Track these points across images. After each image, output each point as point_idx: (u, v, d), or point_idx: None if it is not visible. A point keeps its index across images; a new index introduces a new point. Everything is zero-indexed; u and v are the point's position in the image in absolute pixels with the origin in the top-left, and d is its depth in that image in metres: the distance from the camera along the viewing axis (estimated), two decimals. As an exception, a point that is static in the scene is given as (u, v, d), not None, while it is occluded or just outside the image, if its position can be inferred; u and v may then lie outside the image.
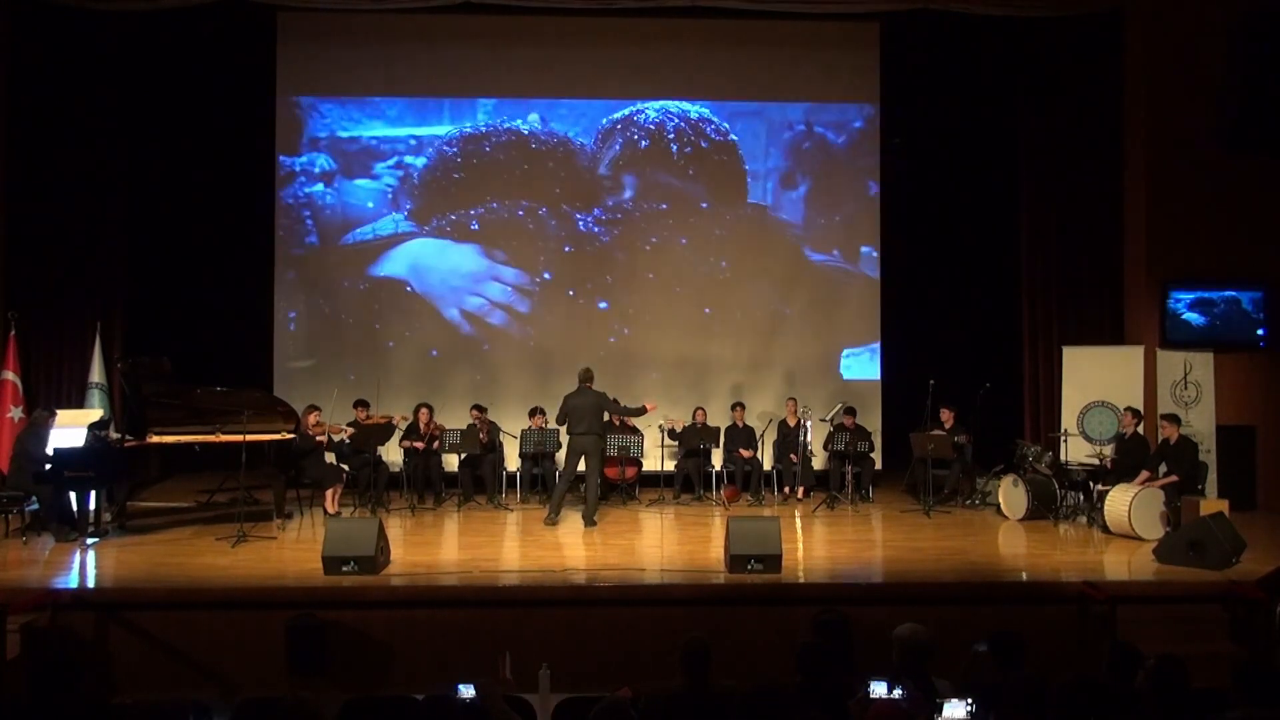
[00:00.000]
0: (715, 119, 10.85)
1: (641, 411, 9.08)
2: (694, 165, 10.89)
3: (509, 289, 10.87)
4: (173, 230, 10.95)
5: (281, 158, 10.72)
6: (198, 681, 6.14)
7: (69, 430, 8.50)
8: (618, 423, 9.60)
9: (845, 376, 10.96)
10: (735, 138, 10.89)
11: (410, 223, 10.80)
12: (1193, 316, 9.49)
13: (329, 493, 8.93)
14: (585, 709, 3.79)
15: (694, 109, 10.86)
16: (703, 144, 10.88)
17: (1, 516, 8.26)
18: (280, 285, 10.74)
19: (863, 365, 11.02)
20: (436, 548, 7.95)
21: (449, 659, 6.09)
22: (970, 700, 3.72)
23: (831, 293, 11.01)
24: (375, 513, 8.75)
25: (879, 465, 10.53)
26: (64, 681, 3.98)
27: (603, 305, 10.92)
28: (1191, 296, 9.49)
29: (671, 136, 10.84)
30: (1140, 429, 8.77)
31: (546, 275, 10.89)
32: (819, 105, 10.95)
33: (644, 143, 10.84)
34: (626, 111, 10.86)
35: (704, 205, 10.91)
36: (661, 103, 10.85)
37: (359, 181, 10.77)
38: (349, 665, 6.19)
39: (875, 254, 10.99)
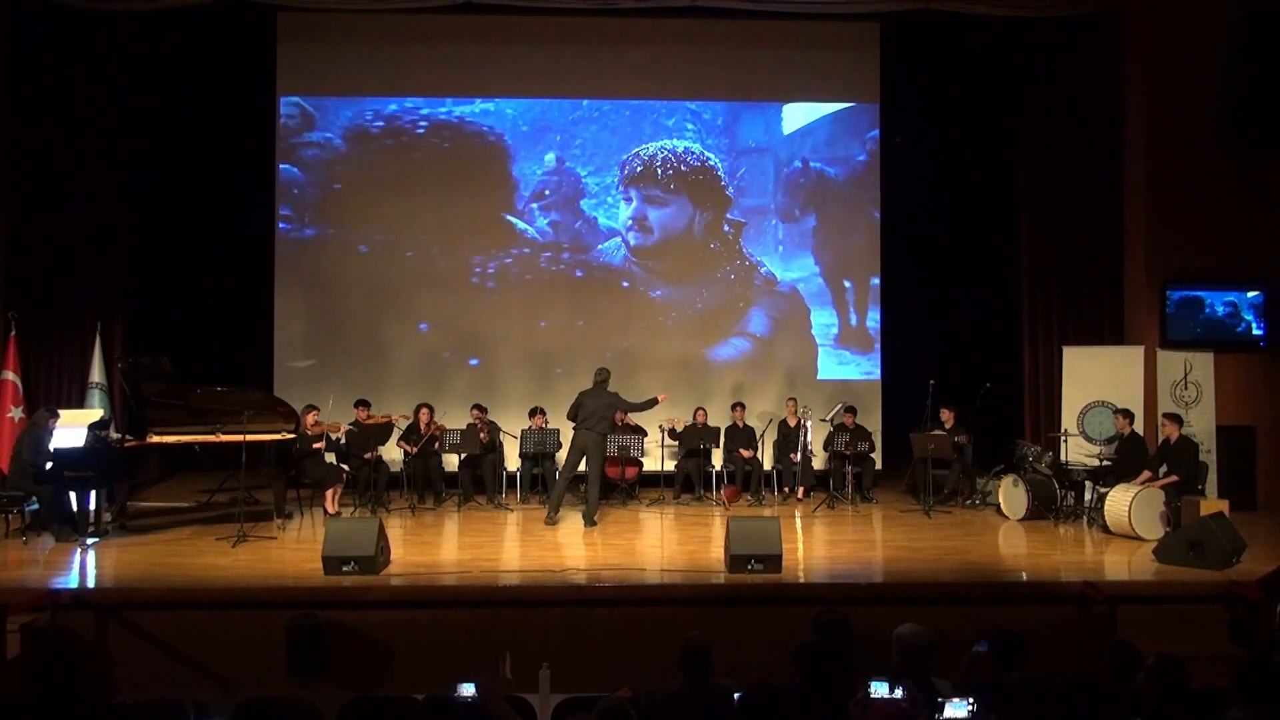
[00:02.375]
0: (699, 149, 10.89)
1: (654, 403, 9.02)
2: (685, 182, 10.90)
3: (509, 288, 10.87)
4: (173, 230, 10.94)
5: (281, 157, 10.72)
6: (198, 681, 6.14)
7: (69, 430, 8.49)
8: (619, 422, 9.59)
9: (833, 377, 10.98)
10: (714, 160, 10.91)
11: (412, 222, 10.79)
12: (1193, 316, 9.49)
13: (329, 493, 8.93)
14: (585, 709, 3.79)
15: (682, 144, 10.86)
16: (681, 167, 10.90)
17: (1, 516, 8.26)
18: (280, 285, 10.74)
19: (863, 365, 11.04)
20: (436, 548, 7.95)
21: (449, 659, 6.08)
22: (970, 700, 3.72)
23: (831, 292, 11.01)
24: (375, 513, 8.75)
25: (879, 465, 10.52)
26: (64, 681, 3.98)
27: (603, 306, 10.93)
28: (1192, 296, 9.49)
29: (659, 165, 10.88)
30: (1137, 428, 8.77)
31: (547, 276, 10.89)
32: (819, 109, 10.97)
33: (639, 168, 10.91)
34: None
35: (661, 231, 10.92)
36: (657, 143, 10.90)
37: (358, 181, 10.77)
38: (349, 665, 6.18)
39: (875, 254, 10.99)
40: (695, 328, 10.96)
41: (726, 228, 10.91)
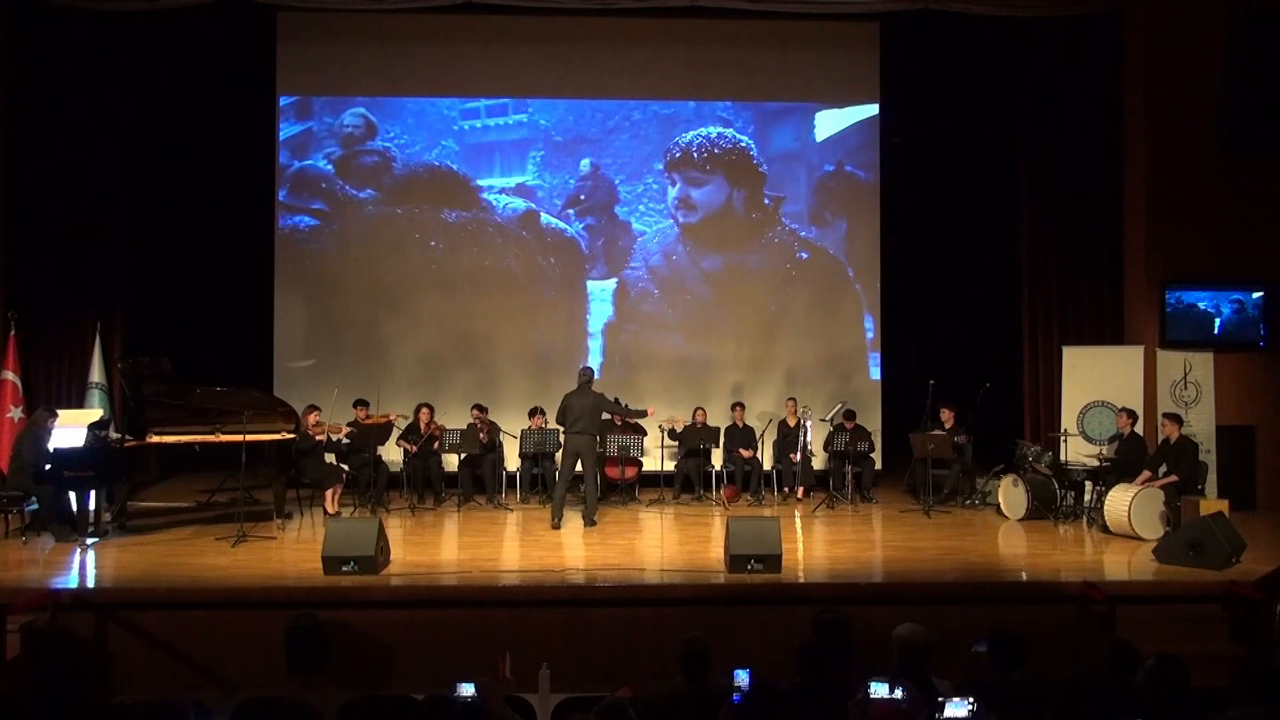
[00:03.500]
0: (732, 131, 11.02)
1: (642, 414, 9.11)
2: (719, 162, 10.98)
3: (509, 287, 10.86)
4: (173, 230, 10.95)
5: (281, 157, 10.72)
6: (198, 681, 6.14)
7: (69, 430, 8.49)
8: (619, 422, 9.61)
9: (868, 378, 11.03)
10: (746, 142, 10.99)
11: (410, 222, 10.80)
12: (1192, 316, 9.49)
13: (329, 493, 8.92)
14: (585, 709, 3.79)
15: (715, 130, 11.00)
16: (715, 150, 10.98)
17: (1, 516, 8.26)
18: (280, 285, 10.74)
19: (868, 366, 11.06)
20: (436, 548, 7.95)
21: (449, 659, 6.09)
22: (970, 700, 3.72)
23: (831, 292, 11.02)
24: (375, 513, 8.75)
25: (879, 465, 10.52)
26: (64, 681, 3.98)
27: (604, 305, 10.93)
28: (1191, 296, 9.49)
29: (694, 150, 11.01)
30: (1137, 428, 8.77)
31: (547, 275, 10.89)
32: (851, 114, 11.00)
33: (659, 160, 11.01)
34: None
35: (704, 209, 10.95)
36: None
37: (358, 180, 10.77)
38: (349, 665, 6.19)
39: (875, 254, 10.99)
40: (747, 308, 11.05)
41: (767, 200, 11.04)
